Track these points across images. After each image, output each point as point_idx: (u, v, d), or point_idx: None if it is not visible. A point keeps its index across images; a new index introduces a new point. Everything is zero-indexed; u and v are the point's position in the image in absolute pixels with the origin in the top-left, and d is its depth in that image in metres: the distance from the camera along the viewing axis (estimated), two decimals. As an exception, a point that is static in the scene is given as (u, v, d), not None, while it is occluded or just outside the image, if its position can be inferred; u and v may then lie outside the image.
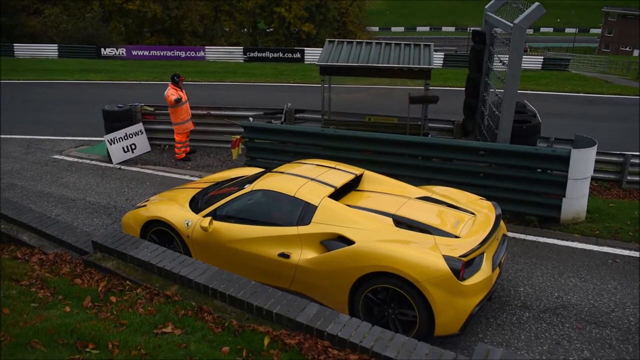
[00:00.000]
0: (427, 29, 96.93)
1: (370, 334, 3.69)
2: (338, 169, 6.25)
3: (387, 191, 6.13)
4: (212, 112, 11.78)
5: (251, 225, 5.53)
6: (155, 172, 10.48)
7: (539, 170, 7.63)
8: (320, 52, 11.34)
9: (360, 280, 4.83)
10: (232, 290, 4.25)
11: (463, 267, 4.60)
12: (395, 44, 11.12)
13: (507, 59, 7.92)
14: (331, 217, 5.24)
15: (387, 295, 4.79)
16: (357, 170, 6.35)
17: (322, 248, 5.14)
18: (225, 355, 3.67)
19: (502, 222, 5.64)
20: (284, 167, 6.41)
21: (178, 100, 10.51)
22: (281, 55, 35.21)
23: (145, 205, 6.50)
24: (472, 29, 12.81)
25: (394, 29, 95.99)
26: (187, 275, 4.52)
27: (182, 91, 10.71)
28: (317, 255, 5.09)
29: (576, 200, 7.61)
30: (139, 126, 11.62)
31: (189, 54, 35.72)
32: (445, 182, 8.11)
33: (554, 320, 5.35)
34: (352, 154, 8.66)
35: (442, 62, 32.35)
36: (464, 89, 10.93)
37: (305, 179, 5.81)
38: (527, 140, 8.23)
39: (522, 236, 7.39)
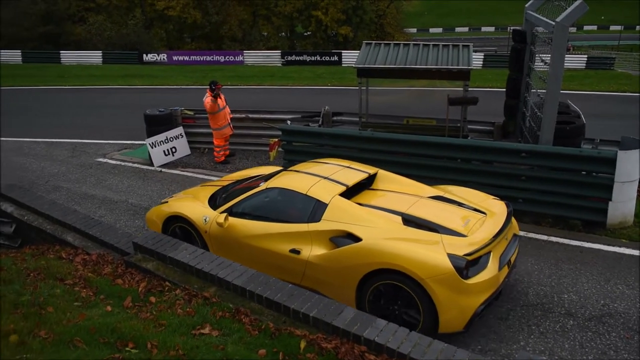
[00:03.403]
0: (466, 29, 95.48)
1: (407, 339, 3.64)
2: (352, 168, 6.36)
3: (400, 190, 6.20)
4: (250, 116, 11.88)
5: (265, 222, 5.72)
6: (195, 175, 10.63)
7: (584, 172, 7.39)
8: (357, 54, 11.30)
9: (367, 276, 4.93)
10: (269, 293, 4.26)
11: (467, 265, 4.65)
12: (434, 45, 11.00)
13: (549, 58, 7.73)
14: (341, 215, 5.36)
15: (393, 291, 4.87)
16: (371, 170, 6.44)
17: (331, 245, 5.26)
18: (261, 358, 3.68)
19: (514, 222, 5.73)
20: (300, 166, 6.57)
21: (215, 101, 10.62)
22: (319, 58, 35.28)
23: (167, 202, 6.81)
24: (512, 28, 12.56)
25: (432, 30, 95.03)
26: (225, 277, 4.56)
27: (220, 97, 10.82)
28: (326, 251, 5.22)
29: (623, 203, 7.34)
30: (179, 130, 11.81)
31: (228, 58, 36.16)
32: (485, 185, 7.97)
33: (600, 329, 5.17)
34: (390, 157, 8.58)
35: (481, 62, 31.85)
36: (504, 89, 10.73)
37: (318, 178, 5.94)
38: (570, 142, 8.01)
39: (566, 241, 7.18)
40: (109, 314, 4.33)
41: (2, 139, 14.11)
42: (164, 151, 11.41)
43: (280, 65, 34.78)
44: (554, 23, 7.46)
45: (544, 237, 7.28)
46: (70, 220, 6.32)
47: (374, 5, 48.44)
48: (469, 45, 10.80)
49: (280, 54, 36.42)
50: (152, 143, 11.25)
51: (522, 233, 7.36)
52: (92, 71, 31.21)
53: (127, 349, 3.72)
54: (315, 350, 3.72)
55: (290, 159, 9.86)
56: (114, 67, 33.58)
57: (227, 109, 11.13)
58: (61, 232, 6.32)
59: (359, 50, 11.32)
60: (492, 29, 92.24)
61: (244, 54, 36.52)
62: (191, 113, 12.18)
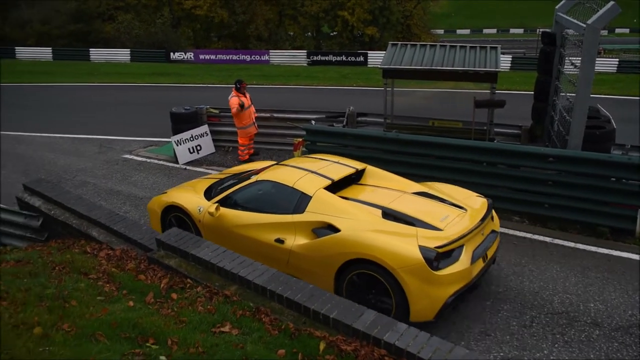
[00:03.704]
0: (494, 30, 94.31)
1: (428, 344, 3.59)
2: (340, 164, 6.62)
3: (385, 185, 6.45)
4: (275, 115, 11.91)
5: (253, 213, 6.04)
6: (219, 173, 10.70)
7: (613, 179, 7.22)
8: (383, 55, 11.23)
9: (344, 265, 5.19)
10: (290, 293, 4.25)
11: (437, 257, 4.85)
12: (461, 46, 10.88)
13: (579, 61, 7.58)
14: (323, 207, 5.62)
15: (368, 280, 5.11)
16: (359, 165, 6.71)
17: (314, 235, 5.53)
18: (280, 358, 3.67)
19: (495, 219, 6.08)
20: (291, 161, 6.95)
21: (242, 106, 10.65)
22: (344, 58, 35.21)
23: (166, 192, 7.26)
24: (541, 30, 12.36)
25: (459, 31, 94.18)
26: (246, 276, 4.56)
27: (245, 96, 10.86)
28: (308, 241, 5.50)
29: (653, 211, 7.16)
30: (205, 128, 11.90)
31: (254, 57, 36.32)
32: (512, 189, 7.88)
33: (626, 340, 5.04)
34: (415, 159, 8.52)
35: (509, 64, 31.40)
36: (532, 92, 10.56)
37: (306, 172, 6.23)
38: (600, 147, 7.85)
39: (593, 249, 7.02)
40: (131, 309, 4.36)
41: (33, 134, 14.39)
42: (189, 149, 11.50)
43: (305, 65, 34.81)
44: (585, 25, 7.32)
45: (571, 244, 7.14)
46: (96, 215, 6.39)
47: (401, 6, 48.16)
48: (496, 47, 10.65)
49: (306, 54, 36.44)
50: (178, 141, 11.36)
51: (548, 239, 7.27)
52: (120, 69, 31.64)
53: (147, 344, 3.74)
54: (335, 352, 3.70)
55: (313, 159, 9.86)
56: (142, 65, 33.99)
57: (252, 108, 11.16)
58: (86, 227, 6.40)
59: (385, 50, 11.26)
60: (520, 30, 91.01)
61: (270, 54, 36.63)
62: (216, 111, 12.25)
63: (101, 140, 13.57)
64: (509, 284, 6.11)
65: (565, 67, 9.17)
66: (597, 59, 7.68)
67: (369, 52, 36.12)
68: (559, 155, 7.50)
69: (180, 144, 11.39)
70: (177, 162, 11.38)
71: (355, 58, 35.14)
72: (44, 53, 37.12)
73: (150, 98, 21.31)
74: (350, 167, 6.55)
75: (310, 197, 5.73)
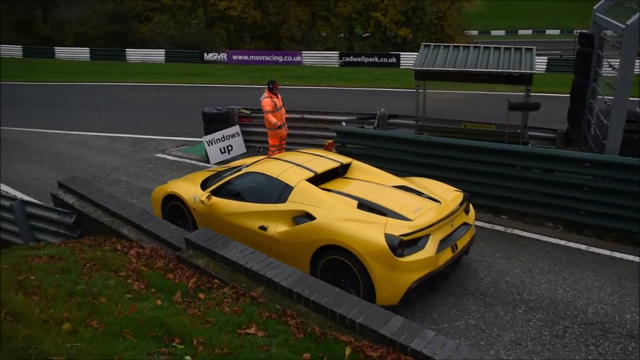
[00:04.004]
0: (529, 31, 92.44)
1: (456, 352, 3.51)
2: (326, 158, 6.99)
3: (368, 179, 6.73)
4: (306, 116, 11.89)
5: (241, 202, 6.48)
6: (249, 174, 10.72)
7: (653, 185, 6.99)
8: (416, 56, 11.12)
9: (318, 251, 5.55)
10: (316, 296, 4.22)
11: (401, 244, 5.14)
12: (495, 47, 10.69)
13: (617, 63, 7.36)
14: (304, 197, 5.98)
15: (339, 265, 5.45)
16: (344, 160, 7.05)
17: (293, 223, 5.89)
18: (305, 362, 3.64)
19: (471, 213, 6.33)
20: (280, 155, 7.46)
21: (278, 127, 10.60)
22: (377, 59, 35.00)
23: (167, 183, 7.75)
24: (578, 31, 12.09)
25: (494, 32, 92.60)
26: (273, 278, 4.55)
27: (277, 97, 10.84)
28: (288, 228, 5.87)
29: (695, 219, 6.90)
30: (236, 128, 11.97)
31: (286, 58, 36.42)
32: (546, 194, 7.69)
33: (665, 352, 4.86)
34: (446, 162, 8.40)
35: (545, 66, 30.76)
36: (568, 95, 10.32)
37: (291, 164, 6.62)
38: (638, 152, 7.60)
39: (631, 257, 6.78)
40: (159, 308, 4.39)
41: (70, 132, 14.72)
42: (220, 149, 11.59)
43: (337, 66, 34.75)
44: (623, 26, 7.11)
45: (607, 252, 6.93)
46: (127, 213, 6.48)
47: (434, 7, 47.70)
48: (532, 49, 10.43)
49: (338, 55, 36.36)
50: (209, 141, 11.45)
51: (583, 247, 7.07)
52: (155, 69, 32.12)
53: (173, 344, 3.76)
54: (360, 357, 3.65)
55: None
56: (176, 65, 34.46)
57: (283, 110, 11.15)
58: (118, 225, 6.49)
59: (418, 52, 11.14)
60: (557, 31, 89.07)
61: (302, 55, 36.69)
62: (248, 112, 12.31)
63: (135, 139, 13.78)
64: (541, 292, 5.96)
65: (603, 69, 8.95)
66: (636, 60, 7.45)
67: (401, 53, 35.83)
68: (595, 160, 7.28)
69: (212, 144, 11.48)
70: (208, 161, 11.47)
71: (388, 59, 34.91)
72: (82, 53, 37.95)
73: (183, 98, 21.58)
74: (335, 161, 6.89)
75: (293, 188, 6.10)
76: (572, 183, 7.49)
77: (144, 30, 43.72)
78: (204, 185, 7.21)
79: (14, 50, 38.84)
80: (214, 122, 11.79)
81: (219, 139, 11.57)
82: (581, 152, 8.71)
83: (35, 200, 8.26)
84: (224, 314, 4.29)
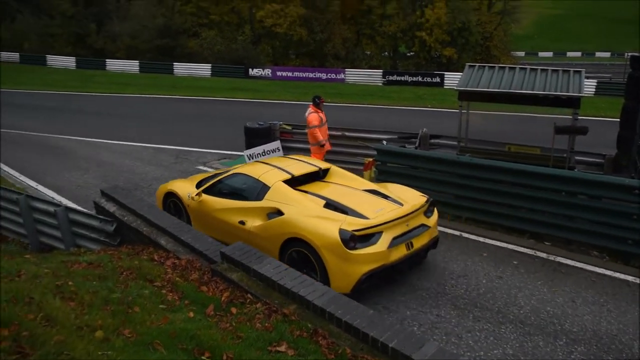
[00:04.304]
0: (578, 54, 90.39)
1: (493, 383, 3.37)
2: (306, 162, 7.72)
3: (343, 183, 7.42)
4: (347, 134, 11.87)
5: (225, 199, 7.22)
6: (287, 189, 10.71)
7: None
8: (460, 76, 10.98)
9: (285, 243, 6.18)
10: (349, 317, 4.14)
11: (352, 238, 5.71)
12: (542, 69, 10.45)
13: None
14: (278, 196, 6.68)
15: (303, 257, 6.04)
16: (324, 165, 7.78)
17: (266, 218, 6.58)
18: (335, 384, 3.56)
19: (433, 217, 6.82)
20: (269, 159, 8.02)
21: (321, 145, 10.65)
22: (420, 79, 34.83)
23: (169, 182, 8.60)
24: (630, 54, 11.69)
25: (541, 53, 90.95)
26: (306, 296, 4.49)
27: (321, 112, 10.86)
28: (262, 223, 6.56)
29: None
30: (277, 144, 12.02)
31: (330, 76, 36.62)
32: (592, 222, 7.41)
33: None
34: (488, 184, 8.22)
35: (593, 89, 29.95)
36: (618, 119, 9.98)
37: (273, 167, 7.35)
38: (693, 182, 7.26)
39: (683, 290, 6.46)
40: (191, 320, 4.39)
41: (116, 142, 15.10)
42: (260, 163, 11.64)
43: (381, 84, 34.73)
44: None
45: (657, 285, 6.61)
46: (165, 224, 6.54)
47: (481, 27, 47.23)
48: (580, 71, 10.15)
49: (381, 74, 36.35)
50: (250, 155, 11.52)
51: (630, 279, 6.77)
52: (201, 83, 32.80)
53: (203, 357, 3.73)
54: (392, 382, 3.55)
55: (383, 179, 9.72)
56: (221, 79, 35.09)
57: (326, 126, 11.14)
58: (156, 235, 6.55)
59: (462, 72, 11.00)
60: (607, 54, 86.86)
61: (346, 72, 36.82)
62: (289, 128, 12.37)
63: (178, 151, 14.02)
64: (584, 324, 5.71)
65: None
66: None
67: (445, 73, 35.56)
68: (646, 188, 6.99)
69: (252, 158, 11.54)
70: (247, 175, 11.52)
71: (432, 79, 34.70)
72: (132, 65, 39.14)
73: (227, 112, 21.90)
74: (314, 165, 7.63)
75: (270, 188, 6.82)
76: (620, 211, 7.19)
77: (192, 44, 44.78)
78: (200, 184, 7.93)
79: (68, 62, 40.35)
80: (255, 137, 11.88)
81: (259, 153, 11.63)
82: (630, 179, 8.37)
83: (78, 207, 8.46)
84: (255, 330, 4.25)
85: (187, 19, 46.45)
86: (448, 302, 6.19)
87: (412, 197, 6.80)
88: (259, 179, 7.04)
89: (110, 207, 7.30)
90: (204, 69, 37.92)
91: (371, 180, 10.33)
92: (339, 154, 11.83)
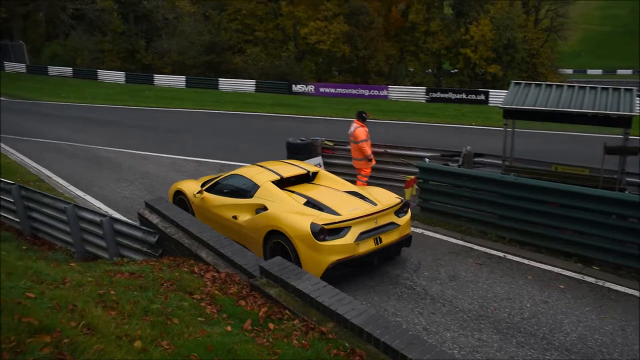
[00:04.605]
0: (629, 71, 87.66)
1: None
2: (296, 166, 8.60)
3: (328, 185, 8.19)
4: (389, 151, 11.78)
5: (223, 197, 8.17)
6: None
7: None
8: (505, 94, 10.76)
9: (267, 235, 7.04)
10: (387, 338, 4.05)
11: (322, 231, 6.51)
12: (591, 87, 10.14)
13: None
14: (265, 194, 7.56)
15: (282, 247, 6.84)
16: (312, 169, 8.60)
17: (254, 213, 7.47)
18: (372, 406, 3.48)
19: (405, 217, 7.47)
20: (262, 163, 8.79)
21: (369, 159, 10.66)
22: (464, 96, 34.43)
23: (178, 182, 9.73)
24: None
25: (590, 71, 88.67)
26: (344, 314, 4.43)
27: (366, 127, 10.86)
28: (250, 217, 7.46)
29: None
30: (318, 159, 12.03)
31: (372, 92, 36.58)
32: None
33: None
34: (534, 205, 8.00)
35: (646, 109, 29.04)
36: (673, 141, 9.59)
37: (265, 169, 8.27)
38: None
39: None
40: (228, 334, 4.39)
41: (161, 155, 15.42)
42: (301, 178, 11.66)
43: (424, 101, 34.48)
44: None
45: None
46: (206, 237, 6.61)
47: (527, 44, 46.53)
48: (631, 89, 9.80)
49: (425, 91, 36.09)
50: (291, 170, 11.55)
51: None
52: (245, 98, 33.27)
53: (239, 373, 3.71)
54: (431, 407, 3.44)
55: (425, 197, 9.61)
56: (265, 95, 35.52)
57: (370, 141, 11.09)
58: (197, 248, 6.62)
59: (508, 89, 10.79)
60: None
61: (389, 89, 36.71)
62: (331, 144, 12.37)
63: (220, 165, 14.19)
64: (635, 354, 5.45)
65: None
66: None
67: (490, 90, 35.07)
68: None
69: (293, 173, 11.58)
70: (288, 190, 11.56)
71: (476, 96, 34.27)
72: (178, 81, 40.06)
73: (269, 127, 22.12)
74: (302, 168, 8.48)
75: (259, 187, 7.71)
76: (676, 236, 6.88)
77: (237, 60, 45.58)
78: (204, 185, 8.78)
79: (118, 77, 41.66)
80: (297, 152, 11.91)
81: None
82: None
83: (123, 218, 8.64)
84: (292, 347, 4.21)
85: (233, 35, 47.36)
86: (490, 325, 6.02)
87: (386, 198, 7.53)
88: (252, 179, 7.97)
89: (154, 219, 7.43)
90: (248, 85, 38.49)
91: (412, 198, 10.25)
92: (380, 171, 11.76)
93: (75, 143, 17.38)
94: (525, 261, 7.80)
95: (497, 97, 32.07)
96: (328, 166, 12.14)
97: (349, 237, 6.69)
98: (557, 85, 10.54)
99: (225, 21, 47.36)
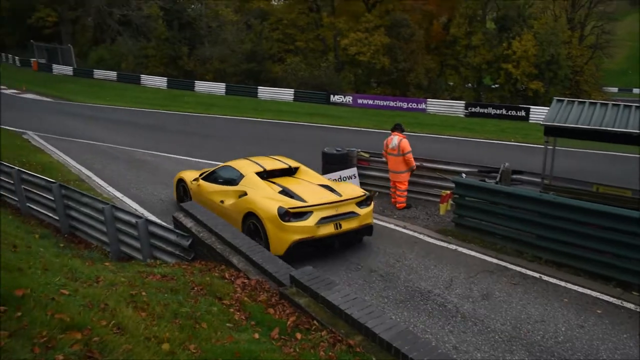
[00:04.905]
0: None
1: None
2: (279, 160, 9.85)
3: (304, 179, 9.37)
4: (425, 164, 11.65)
5: (214, 184, 9.54)
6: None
7: None
8: (547, 111, 10.53)
9: (245, 216, 8.27)
10: (416, 354, 3.98)
11: (287, 213, 7.70)
12: (637, 106, 9.83)
13: None
14: (248, 183, 8.81)
15: (254, 226, 8.09)
16: (293, 164, 9.83)
17: (237, 198, 8.67)
18: None
19: (367, 209, 8.53)
20: (252, 158, 9.98)
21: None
22: (504, 112, 33.87)
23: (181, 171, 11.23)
24: None
25: (636, 90, 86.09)
26: (373, 328, 4.37)
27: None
28: (234, 201, 8.69)
29: None
30: (353, 170, 11.97)
31: (411, 105, 36.37)
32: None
33: None
34: (572, 225, 7.78)
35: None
36: None
37: (252, 162, 9.58)
38: None
39: None
40: (255, 342, 4.38)
41: (198, 160, 15.62)
42: (335, 189, 11.62)
43: (462, 116, 34.10)
44: None
45: None
46: (238, 243, 6.64)
47: (571, 61, 45.55)
48: (681, 110, 9.47)
49: (464, 105, 35.69)
50: (325, 180, 11.54)
51: None
52: (283, 107, 33.53)
53: (264, 382, 3.69)
54: None
55: (460, 213, 9.47)
56: (303, 104, 35.71)
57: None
58: (229, 253, 6.66)
59: (549, 106, 10.56)
60: None
61: (427, 102, 36.45)
62: (367, 155, 12.32)
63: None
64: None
65: None
66: None
67: (531, 107, 34.42)
68: None
69: (328, 183, 11.57)
70: (322, 200, 11.54)
71: (516, 112, 33.69)
72: (218, 88, 40.66)
73: (306, 136, 22.20)
74: (285, 163, 9.73)
75: (244, 176, 9.00)
76: None
77: (277, 69, 46.00)
78: (202, 174, 10.12)
79: (160, 82, 42.55)
80: (332, 163, 11.91)
81: (335, 179, 11.63)
82: None
83: (158, 220, 8.77)
84: (318, 358, 4.18)
85: (274, 44, 47.88)
86: (523, 347, 5.85)
87: (351, 191, 8.68)
88: (239, 170, 9.27)
89: (188, 223, 7.51)
90: (286, 94, 38.79)
91: (446, 213, 10.11)
92: (416, 185, 11.63)
93: (115, 145, 17.79)
94: (562, 283, 7.57)
95: (539, 113, 31.45)
96: (363, 178, 12.09)
97: (311, 221, 7.84)
98: (601, 103, 10.25)
99: (266, 30, 47.93)
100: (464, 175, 10.43)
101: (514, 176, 10.98)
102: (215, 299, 5.37)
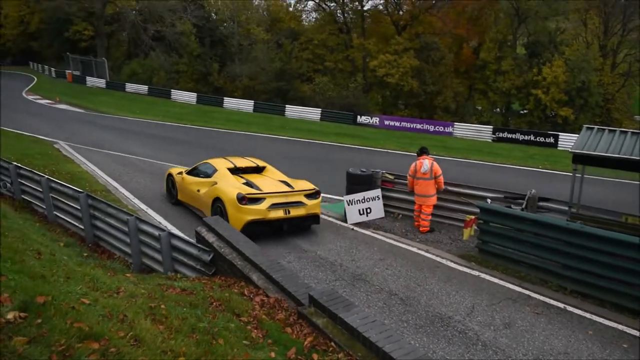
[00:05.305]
0: None
1: None
2: (248, 160, 12.04)
3: (268, 176, 11.36)
4: (449, 188, 11.55)
5: (195, 177, 11.48)
6: (385, 239, 10.52)
7: None
8: (576, 138, 10.38)
9: (214, 200, 10.11)
10: (433, 381, 3.90)
11: (243, 198, 9.55)
12: (671, 138, 9.63)
13: None
14: (219, 176, 10.84)
15: (219, 208, 9.87)
16: (261, 163, 11.97)
17: (210, 187, 10.56)
18: None
19: (314, 201, 10.40)
20: (228, 157, 12.08)
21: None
22: (532, 138, 33.50)
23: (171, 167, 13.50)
24: None
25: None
26: (391, 353, 4.31)
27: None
28: (206, 190, 10.62)
29: None
30: (377, 192, 11.92)
31: (438, 128, 36.23)
32: None
33: None
34: (599, 256, 7.60)
35: None
36: None
37: (226, 160, 11.67)
38: None
39: None
40: (271, 361, 4.35)
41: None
42: (359, 210, 11.59)
43: (490, 140, 33.83)
44: None
45: None
46: (259, 260, 6.64)
47: (602, 88, 44.85)
48: None
49: (491, 130, 35.41)
50: (349, 201, 11.53)
51: None
52: (310, 126, 33.69)
53: (279, 402, 3.66)
54: None
55: (484, 239, 9.35)
56: (330, 124, 35.86)
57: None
58: (249, 270, 6.66)
59: (579, 134, 10.41)
60: None
61: (454, 126, 36.27)
62: (391, 177, 12.27)
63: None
64: None
65: None
66: None
67: (560, 134, 33.98)
68: None
69: (352, 204, 11.54)
70: (345, 221, 11.53)
71: (545, 139, 33.30)
72: (247, 105, 41.12)
73: (331, 156, 22.25)
74: (254, 163, 11.85)
75: (217, 170, 11.02)
76: None
77: (305, 89, 46.34)
78: (187, 170, 12.00)
79: (190, 97, 43.24)
80: (356, 183, 11.89)
81: (359, 200, 11.61)
82: None
83: (180, 234, 8.83)
84: (334, 381, 4.13)
85: (303, 64, 48.29)
86: (545, 379, 5.69)
87: (302, 185, 10.66)
88: (214, 165, 11.28)
89: (210, 238, 7.55)
90: (314, 113, 39.01)
91: (470, 239, 9.98)
92: (439, 208, 11.52)
93: (143, 158, 18.07)
94: (587, 315, 7.38)
95: (568, 141, 30.97)
96: (386, 199, 12.05)
97: (263, 205, 9.70)
98: (632, 132, 10.06)
99: (296, 50, 48.42)
100: (489, 200, 10.30)
101: (541, 203, 10.80)
102: (233, 315, 5.36)
